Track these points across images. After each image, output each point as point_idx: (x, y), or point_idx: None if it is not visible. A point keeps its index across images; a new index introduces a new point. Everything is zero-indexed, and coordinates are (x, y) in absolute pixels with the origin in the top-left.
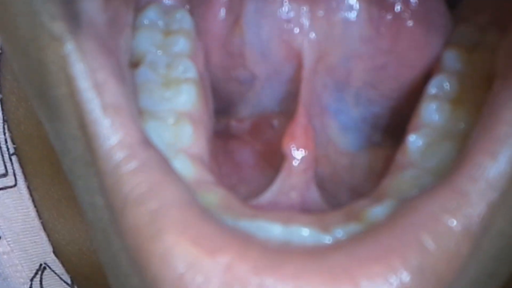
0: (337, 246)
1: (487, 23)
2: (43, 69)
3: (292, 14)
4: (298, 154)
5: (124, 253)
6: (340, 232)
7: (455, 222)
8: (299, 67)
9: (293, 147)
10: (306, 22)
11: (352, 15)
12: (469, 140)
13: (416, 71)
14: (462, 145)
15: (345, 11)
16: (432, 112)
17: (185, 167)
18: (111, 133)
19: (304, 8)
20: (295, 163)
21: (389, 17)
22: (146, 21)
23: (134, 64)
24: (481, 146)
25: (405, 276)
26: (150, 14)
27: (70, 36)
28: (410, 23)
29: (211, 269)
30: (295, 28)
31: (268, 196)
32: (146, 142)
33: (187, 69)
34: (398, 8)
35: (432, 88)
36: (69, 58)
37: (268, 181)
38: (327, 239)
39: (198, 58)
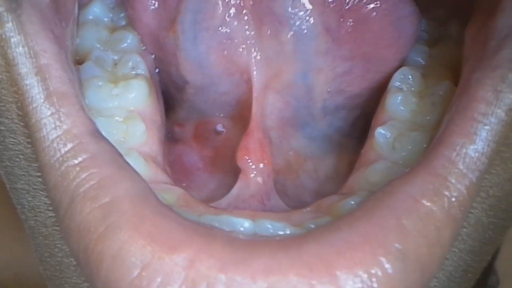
0: (310, 236)
1: (447, 17)
2: None
3: (235, 31)
4: (254, 167)
5: (70, 259)
6: (312, 227)
7: (434, 205)
8: (245, 83)
9: (249, 160)
10: (252, 40)
11: (305, 29)
12: (443, 124)
13: (384, 67)
14: (431, 135)
15: (296, 26)
16: (397, 104)
17: (138, 166)
18: (55, 122)
19: (248, 26)
20: (252, 175)
21: (349, 23)
22: (91, 17)
23: (79, 62)
24: (457, 127)
25: (387, 264)
26: (95, 10)
27: (10, 16)
28: (375, 24)
29: (171, 267)
30: (240, 46)
31: (225, 202)
32: (97, 133)
33: (137, 65)
34: (364, 9)
35: (395, 81)
36: (9, 40)
37: (219, 185)
38: (299, 232)
39: (147, 55)
